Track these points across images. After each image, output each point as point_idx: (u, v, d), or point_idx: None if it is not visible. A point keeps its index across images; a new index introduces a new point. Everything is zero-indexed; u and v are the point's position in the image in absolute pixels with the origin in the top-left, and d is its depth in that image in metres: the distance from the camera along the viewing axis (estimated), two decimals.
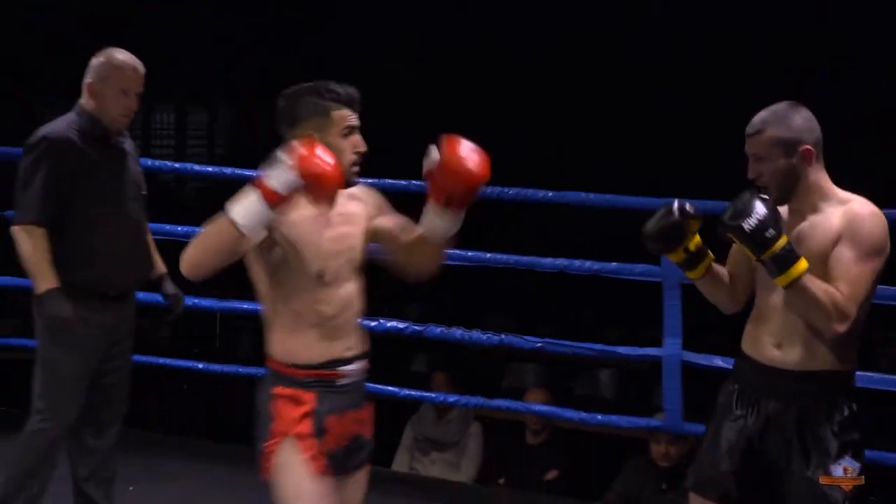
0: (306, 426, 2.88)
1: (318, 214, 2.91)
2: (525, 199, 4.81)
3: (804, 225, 2.92)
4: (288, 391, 2.90)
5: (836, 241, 2.86)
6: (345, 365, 2.95)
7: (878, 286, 2.89)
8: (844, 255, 2.84)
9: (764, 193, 2.85)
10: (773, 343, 2.95)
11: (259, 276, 2.94)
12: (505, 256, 4.77)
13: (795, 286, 2.78)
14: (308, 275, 2.89)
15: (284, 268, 2.90)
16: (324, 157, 2.72)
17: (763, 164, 2.90)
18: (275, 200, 2.70)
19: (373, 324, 5.00)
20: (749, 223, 2.75)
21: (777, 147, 2.89)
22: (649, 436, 5.24)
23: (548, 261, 4.72)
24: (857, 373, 2.96)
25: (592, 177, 5.54)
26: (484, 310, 8.00)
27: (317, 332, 2.91)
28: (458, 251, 4.88)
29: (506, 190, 4.76)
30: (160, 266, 4.02)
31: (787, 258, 2.76)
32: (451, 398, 5.24)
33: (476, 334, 4.84)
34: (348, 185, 2.91)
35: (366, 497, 3.11)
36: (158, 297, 4.04)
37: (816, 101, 2.97)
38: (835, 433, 2.88)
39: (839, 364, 2.90)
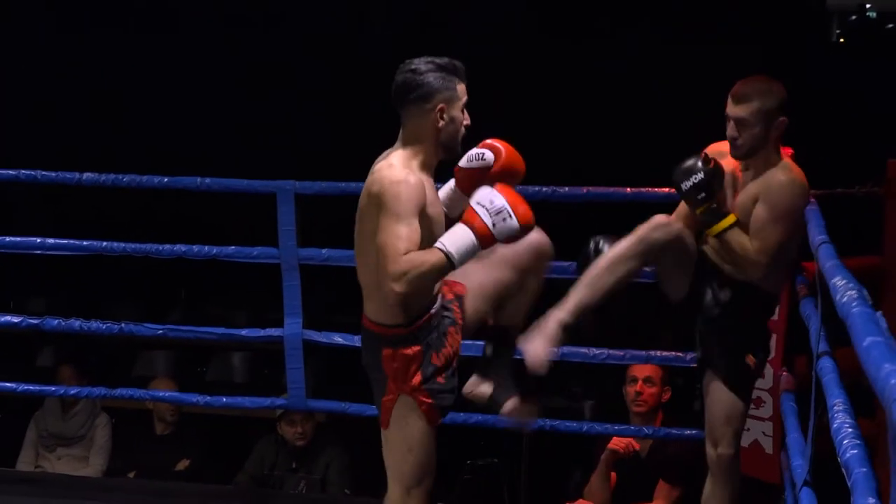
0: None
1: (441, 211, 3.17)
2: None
3: (751, 183, 3.44)
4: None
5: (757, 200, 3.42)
6: None
7: None
8: (759, 215, 3.41)
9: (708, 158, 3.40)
10: None
11: None
12: (122, 244, 4.68)
13: (721, 238, 3.43)
14: None
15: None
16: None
17: (744, 129, 3.37)
18: (488, 244, 2.97)
19: None
20: (686, 185, 3.37)
21: (762, 116, 3.38)
22: (283, 416, 5.30)
23: (166, 247, 4.67)
24: None
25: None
26: (114, 299, 7.83)
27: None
28: (73, 241, 4.78)
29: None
30: None
31: (715, 215, 3.40)
32: (73, 390, 5.11)
33: (95, 324, 4.74)
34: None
35: None
36: None
37: None
38: None
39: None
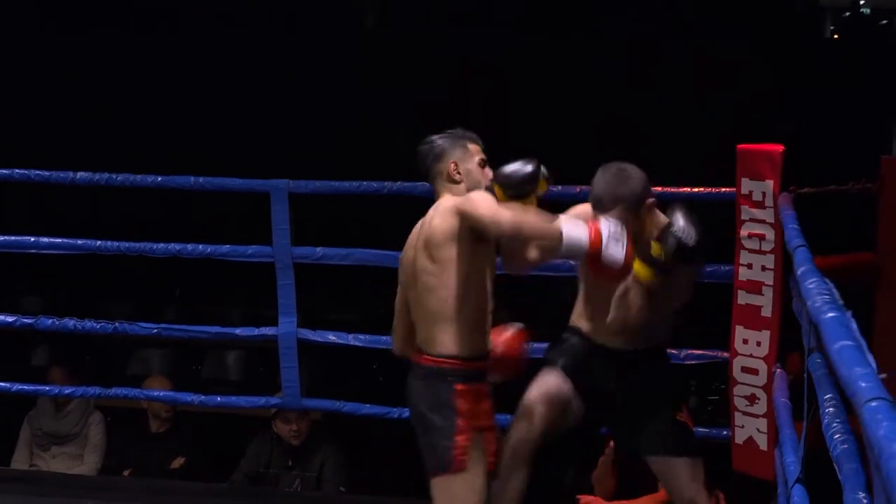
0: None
1: None
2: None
3: None
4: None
5: None
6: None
7: None
8: None
9: None
10: None
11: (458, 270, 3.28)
12: (116, 243, 4.69)
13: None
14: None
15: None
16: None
17: None
18: (594, 251, 3.13)
19: None
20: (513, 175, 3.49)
21: None
22: (278, 414, 5.30)
23: (160, 246, 4.68)
24: None
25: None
26: (108, 298, 7.83)
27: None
28: (68, 240, 4.78)
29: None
30: None
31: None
32: (68, 389, 5.12)
33: (89, 323, 4.75)
34: None
35: None
36: None
37: None
38: None
39: None
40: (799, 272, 2.77)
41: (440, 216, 3.32)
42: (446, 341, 3.29)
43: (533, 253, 3.43)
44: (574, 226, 3.17)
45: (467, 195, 3.31)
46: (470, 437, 3.25)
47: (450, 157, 3.43)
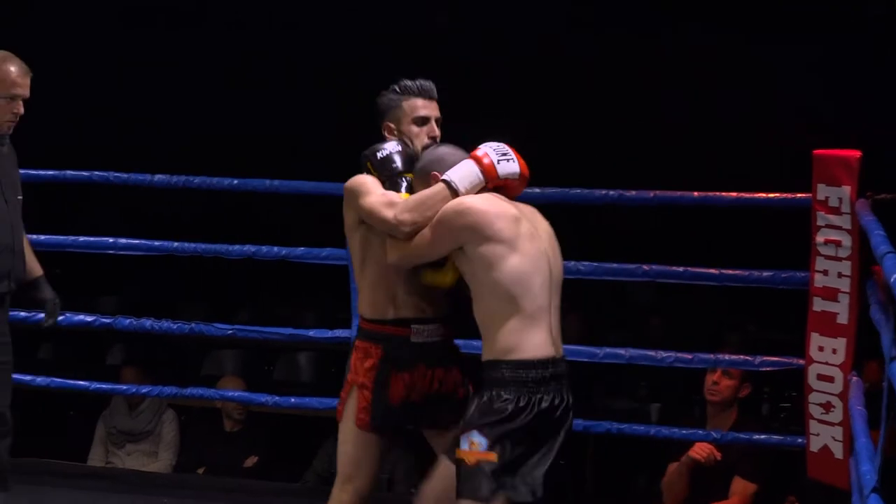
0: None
1: None
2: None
3: None
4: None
5: None
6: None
7: None
8: None
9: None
10: None
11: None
12: (192, 245, 4.75)
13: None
14: None
15: None
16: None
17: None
18: (492, 177, 3.10)
19: (60, 318, 4.89)
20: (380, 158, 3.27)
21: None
22: None
23: (236, 248, 4.73)
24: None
25: None
26: (182, 298, 7.92)
27: None
28: (145, 241, 4.85)
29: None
30: (36, 269, 4.02)
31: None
32: (145, 389, 5.19)
33: (167, 324, 4.81)
34: None
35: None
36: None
37: None
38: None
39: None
40: (892, 280, 2.73)
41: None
42: (360, 302, 3.33)
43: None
44: (457, 169, 3.12)
45: (353, 183, 3.23)
46: (348, 391, 3.29)
47: (385, 119, 3.34)
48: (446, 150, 3.23)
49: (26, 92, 3.77)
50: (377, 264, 3.25)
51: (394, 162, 3.22)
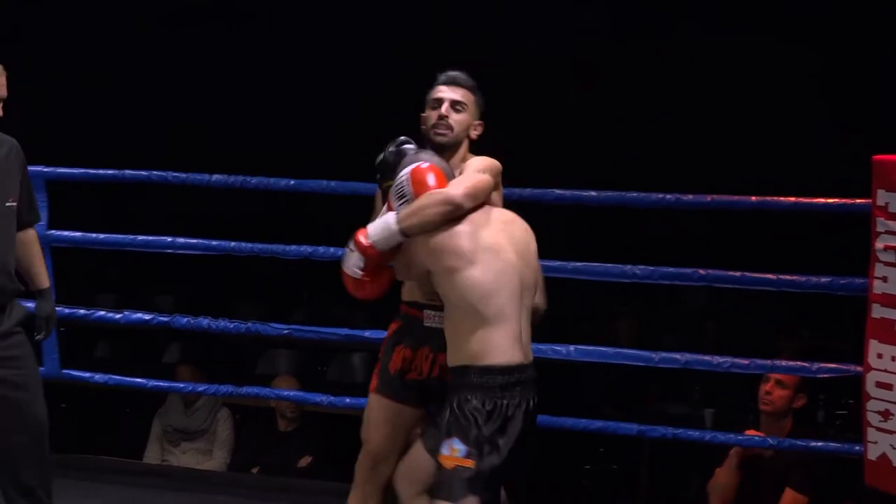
0: None
1: None
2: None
3: None
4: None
5: None
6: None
7: None
8: None
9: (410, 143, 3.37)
10: None
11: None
12: (249, 245, 4.77)
13: None
14: None
15: None
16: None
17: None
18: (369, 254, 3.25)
19: (118, 316, 4.95)
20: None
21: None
22: None
23: (292, 248, 4.75)
24: None
25: None
26: (238, 298, 7.98)
27: None
28: (203, 241, 4.88)
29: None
30: (40, 281, 3.88)
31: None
32: (201, 387, 5.22)
33: (223, 323, 4.83)
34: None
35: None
36: None
37: None
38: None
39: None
40: None
41: None
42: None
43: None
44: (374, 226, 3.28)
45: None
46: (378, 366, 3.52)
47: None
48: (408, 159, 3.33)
49: (3, 91, 3.58)
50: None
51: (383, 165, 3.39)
